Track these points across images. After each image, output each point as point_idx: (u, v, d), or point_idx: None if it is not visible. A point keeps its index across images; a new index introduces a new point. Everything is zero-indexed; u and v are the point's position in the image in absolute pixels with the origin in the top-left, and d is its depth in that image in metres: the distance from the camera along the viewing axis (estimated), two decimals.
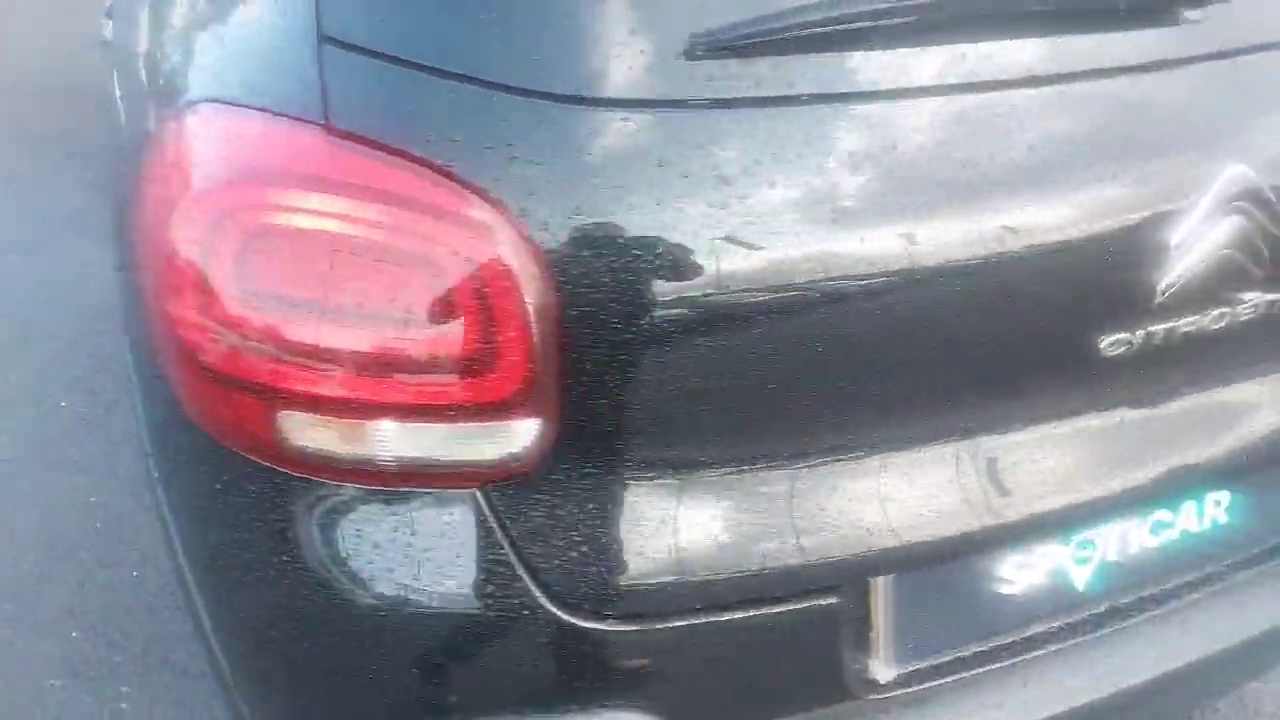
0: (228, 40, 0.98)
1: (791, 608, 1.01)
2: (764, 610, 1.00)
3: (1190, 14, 0.95)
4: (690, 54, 0.86)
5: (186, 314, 0.89)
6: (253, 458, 0.94)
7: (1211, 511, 1.23)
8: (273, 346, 0.87)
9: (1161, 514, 1.20)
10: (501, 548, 0.94)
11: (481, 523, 0.94)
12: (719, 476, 0.97)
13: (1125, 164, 0.95)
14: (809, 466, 0.99)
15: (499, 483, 0.93)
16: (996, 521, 1.08)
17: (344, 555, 0.94)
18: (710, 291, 0.88)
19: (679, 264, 0.87)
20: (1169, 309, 1.00)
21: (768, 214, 0.87)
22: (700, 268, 0.87)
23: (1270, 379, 1.17)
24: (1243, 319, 1.06)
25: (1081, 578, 1.19)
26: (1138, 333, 1.01)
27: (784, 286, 0.89)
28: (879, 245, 0.89)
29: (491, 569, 0.94)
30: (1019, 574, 1.15)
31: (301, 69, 0.89)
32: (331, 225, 0.85)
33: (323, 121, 0.87)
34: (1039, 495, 1.09)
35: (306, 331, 0.86)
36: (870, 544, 1.03)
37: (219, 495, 0.99)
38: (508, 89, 0.86)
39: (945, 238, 0.92)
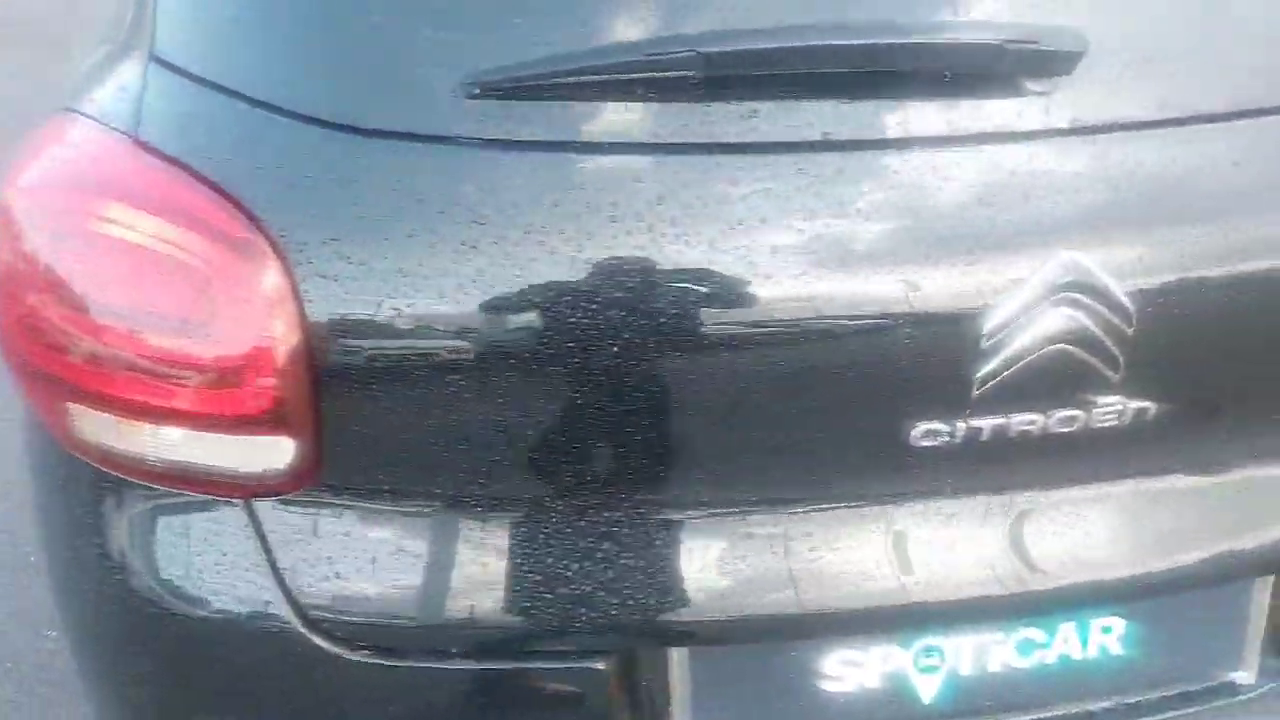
0: (100, 55, 1.06)
1: (562, 666, 0.97)
2: (529, 665, 0.97)
3: (1031, 85, 0.86)
4: (461, 93, 0.86)
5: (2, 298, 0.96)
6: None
7: (1099, 639, 1.09)
8: (60, 339, 0.92)
9: (1031, 633, 1.08)
10: (262, 562, 0.95)
11: (245, 535, 0.95)
12: (485, 520, 0.95)
13: (937, 241, 0.87)
14: (584, 520, 0.96)
15: (264, 497, 0.95)
16: (816, 609, 1.00)
17: (125, 548, 0.98)
18: (453, 331, 0.86)
19: (422, 300, 0.86)
20: (995, 403, 0.91)
21: (517, 258, 0.85)
22: (443, 306, 0.86)
23: (1162, 498, 1.03)
24: (1104, 425, 0.94)
25: (928, 689, 1.08)
26: (957, 425, 0.91)
27: (524, 333, 0.86)
28: (629, 301, 0.85)
29: (250, 581, 0.95)
30: (848, 672, 1.06)
31: (131, 86, 0.95)
32: (115, 231, 0.90)
33: (133, 135, 0.92)
34: (864, 588, 1.00)
35: (85, 327, 0.90)
36: (658, 611, 0.97)
37: (46, 475, 1.06)
38: (285, 113, 0.88)
39: (720, 304, 0.87)
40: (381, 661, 0.96)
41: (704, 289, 0.86)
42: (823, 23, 0.86)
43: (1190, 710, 1.13)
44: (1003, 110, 0.87)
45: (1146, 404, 0.94)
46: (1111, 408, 0.93)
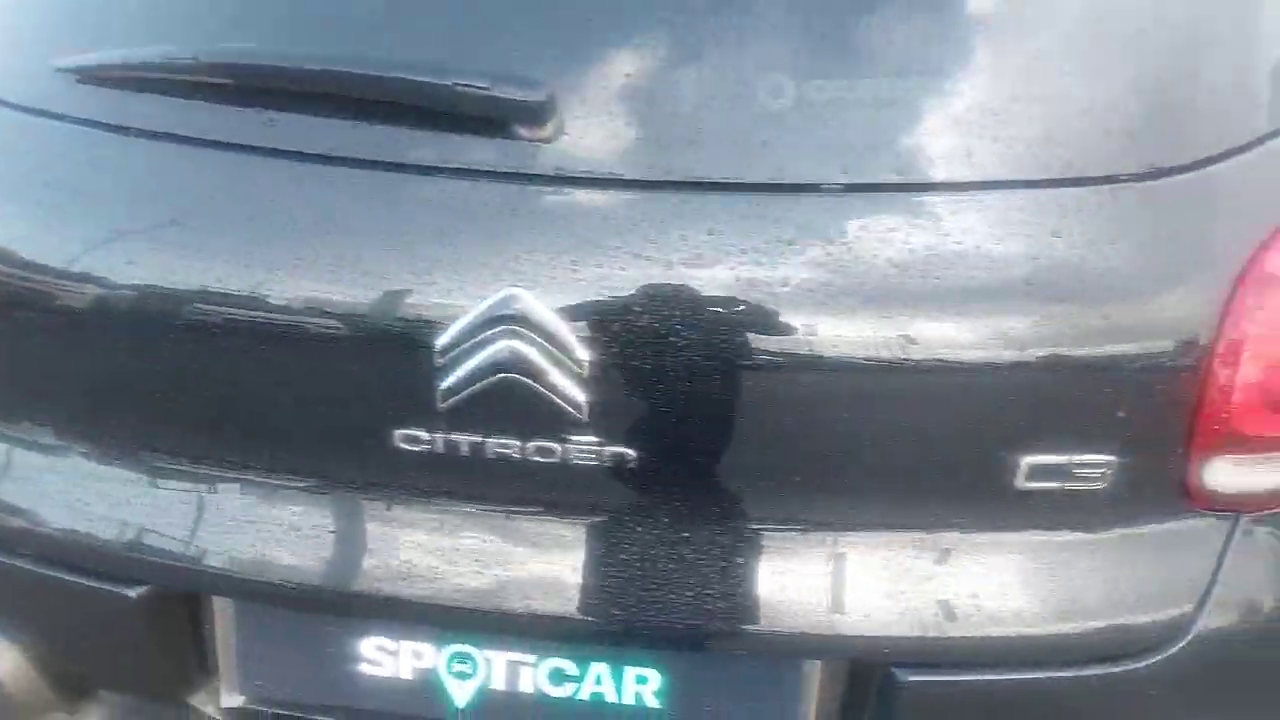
0: None
1: (99, 586, 1.09)
2: (77, 579, 1.10)
3: (520, 131, 0.92)
4: (67, 76, 1.01)
5: None
6: None
7: (633, 688, 1.10)
8: None
9: (562, 663, 1.10)
10: None
11: None
12: (60, 444, 1.10)
13: (403, 260, 0.93)
14: (133, 458, 1.08)
15: None
16: (345, 589, 1.07)
17: None
18: (26, 287, 1.02)
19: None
20: (465, 421, 0.96)
21: (71, 228, 1.00)
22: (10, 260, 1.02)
23: (685, 551, 1.02)
24: (588, 463, 0.97)
25: (461, 694, 1.13)
26: (435, 436, 0.97)
27: (75, 293, 1.00)
28: (152, 279, 0.97)
29: None
30: (382, 658, 1.12)
31: None
32: None
33: None
34: (380, 579, 1.06)
35: None
36: (182, 558, 1.07)
37: None
38: None
39: (227, 287, 0.97)
40: None
41: (210, 277, 0.97)
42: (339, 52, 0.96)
43: None
44: (481, 149, 0.93)
45: (626, 450, 0.96)
46: (588, 446, 0.96)
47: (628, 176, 0.92)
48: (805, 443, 0.96)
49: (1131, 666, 1.02)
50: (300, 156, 0.96)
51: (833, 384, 0.93)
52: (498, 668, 1.12)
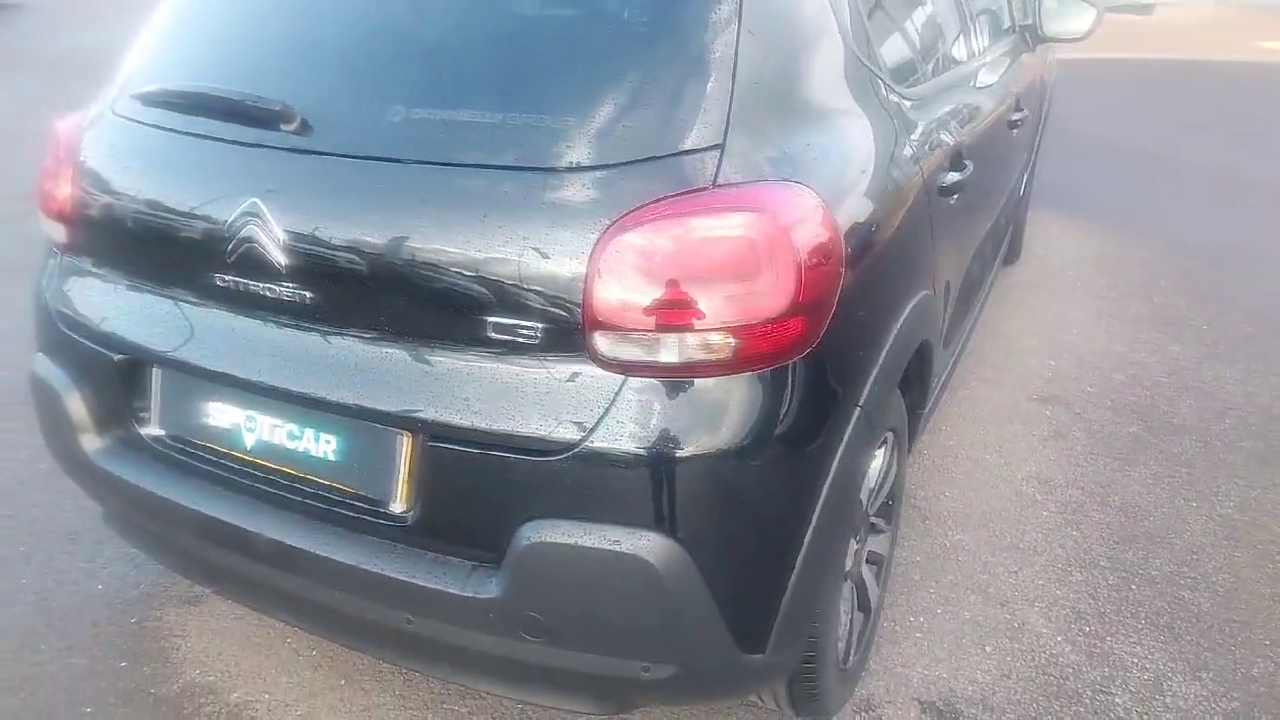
0: None
1: (92, 348, 2.14)
2: (94, 346, 2.15)
3: (283, 125, 1.86)
4: (132, 96, 2.12)
5: None
6: None
7: (324, 446, 1.93)
8: None
9: (292, 427, 1.96)
10: None
11: None
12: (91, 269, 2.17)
13: (202, 181, 1.94)
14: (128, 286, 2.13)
15: None
16: (200, 365, 2.02)
17: None
18: None
19: None
20: (246, 266, 1.89)
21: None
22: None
23: (348, 354, 1.86)
24: (296, 299, 1.86)
25: (249, 440, 2.01)
26: (230, 278, 1.91)
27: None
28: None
29: None
30: (218, 412, 2.04)
31: None
32: None
33: None
34: (214, 359, 2.00)
35: None
36: (144, 333, 2.08)
37: None
38: None
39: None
40: None
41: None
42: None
43: (363, 523, 1.89)
44: (268, 134, 1.89)
45: (308, 292, 1.84)
46: (296, 289, 1.85)
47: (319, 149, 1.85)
48: (391, 299, 1.81)
49: (544, 459, 1.70)
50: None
51: (394, 271, 1.77)
52: (264, 427, 2.00)
